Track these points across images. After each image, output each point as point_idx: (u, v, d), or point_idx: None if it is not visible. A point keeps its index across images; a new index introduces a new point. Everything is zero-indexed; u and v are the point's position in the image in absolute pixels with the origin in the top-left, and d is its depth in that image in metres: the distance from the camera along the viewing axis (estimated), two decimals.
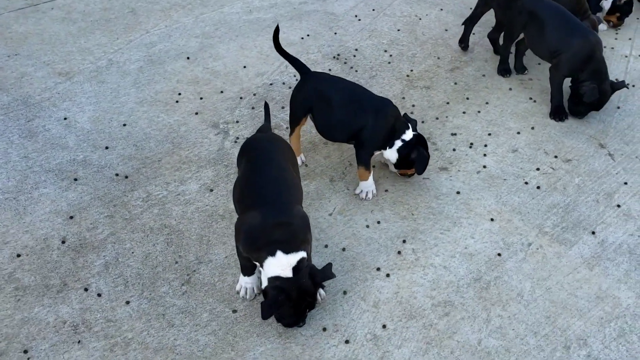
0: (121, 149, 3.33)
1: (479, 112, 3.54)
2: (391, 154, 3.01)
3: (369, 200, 3.06)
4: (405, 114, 3.10)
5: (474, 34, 4.13)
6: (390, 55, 3.93)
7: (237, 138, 3.40)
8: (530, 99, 3.64)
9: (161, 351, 2.48)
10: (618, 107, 3.58)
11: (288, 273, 2.36)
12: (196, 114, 3.55)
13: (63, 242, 2.87)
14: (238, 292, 2.65)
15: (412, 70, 3.82)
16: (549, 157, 3.29)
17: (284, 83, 3.74)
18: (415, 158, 2.97)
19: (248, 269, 2.59)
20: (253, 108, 3.60)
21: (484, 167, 3.23)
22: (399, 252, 2.84)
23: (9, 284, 2.70)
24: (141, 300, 2.64)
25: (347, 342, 2.51)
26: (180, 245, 2.86)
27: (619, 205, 3.04)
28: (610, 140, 3.38)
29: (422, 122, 3.48)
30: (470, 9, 4.18)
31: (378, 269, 2.77)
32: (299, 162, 3.22)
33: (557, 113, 3.48)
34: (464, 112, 3.54)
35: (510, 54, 3.87)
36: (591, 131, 3.44)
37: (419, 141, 3.00)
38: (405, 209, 3.04)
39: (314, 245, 2.82)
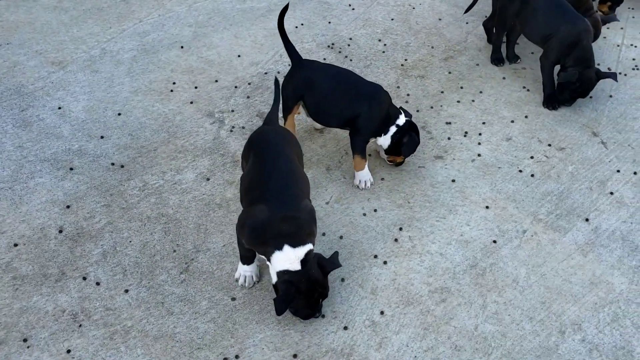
0: (116, 138, 3.32)
1: (473, 101, 3.57)
2: (384, 141, 3.03)
3: (367, 189, 3.08)
4: (401, 106, 3.12)
5: (467, 23, 4.15)
6: (385, 45, 3.94)
7: (233, 127, 3.40)
8: (524, 87, 3.66)
9: (161, 339, 2.49)
10: (610, 96, 3.61)
11: (297, 266, 2.37)
12: (191, 103, 3.54)
13: (60, 231, 2.86)
14: (237, 280, 2.66)
15: (406, 60, 3.84)
16: (542, 146, 3.32)
17: (278, 72, 3.74)
18: (405, 142, 3.00)
19: (248, 259, 2.60)
20: (248, 97, 3.59)
21: (479, 155, 3.26)
22: (396, 240, 2.87)
23: (7, 273, 2.69)
24: (140, 289, 2.65)
25: (345, 328, 2.53)
26: (177, 234, 2.86)
27: (612, 193, 3.08)
28: (603, 128, 3.42)
29: (417, 111, 3.50)
30: None
31: (375, 257, 2.80)
32: None
33: (550, 102, 3.51)
34: (458, 101, 3.56)
35: (503, 43, 3.89)
36: (584, 120, 3.47)
37: (411, 127, 3.02)
38: (401, 197, 3.06)
39: None
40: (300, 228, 2.41)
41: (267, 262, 2.45)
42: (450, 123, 3.42)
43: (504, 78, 3.72)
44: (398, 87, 3.65)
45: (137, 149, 3.26)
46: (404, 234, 2.89)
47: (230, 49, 3.91)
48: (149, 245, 2.82)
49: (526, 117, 3.48)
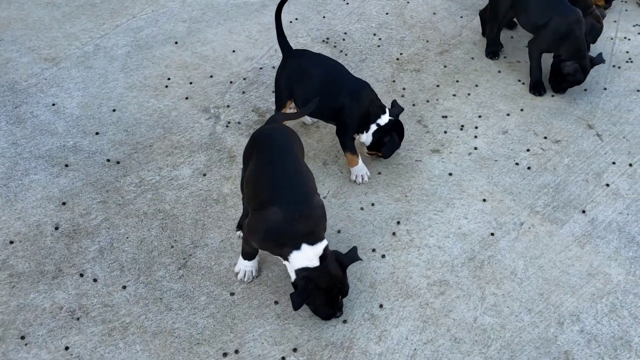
0: (112, 134, 3.30)
1: (468, 94, 3.57)
2: (366, 138, 3.03)
3: (364, 183, 3.08)
4: (394, 100, 3.11)
5: (461, 17, 4.15)
6: (380, 39, 3.94)
7: (229, 122, 3.39)
8: (519, 81, 3.67)
9: (160, 334, 2.48)
10: (605, 89, 3.63)
11: (315, 262, 2.35)
12: (186, 98, 3.52)
13: (56, 228, 2.84)
14: (237, 275, 2.65)
15: (401, 54, 3.83)
16: (538, 138, 3.33)
17: (273, 67, 3.72)
18: (386, 142, 3.00)
19: (251, 255, 2.59)
20: (243, 92, 3.58)
21: (475, 148, 3.26)
22: (394, 234, 2.87)
23: (3, 270, 2.67)
24: (138, 285, 2.64)
25: (345, 322, 2.53)
26: (175, 229, 2.85)
27: (608, 185, 3.09)
28: (598, 121, 3.44)
29: (413, 105, 3.50)
30: None
31: (373, 250, 2.80)
32: None
33: (536, 88, 3.54)
34: (454, 95, 3.56)
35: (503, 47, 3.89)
36: (579, 112, 3.49)
37: (395, 126, 3.01)
38: (398, 191, 3.06)
39: None
40: (316, 225, 2.39)
41: (285, 262, 2.41)
42: (446, 117, 3.43)
43: (499, 71, 3.73)
44: (394, 81, 3.65)
45: (132, 145, 3.24)
46: (402, 228, 2.89)
47: (224, 44, 3.89)
48: (147, 241, 2.80)
49: (522, 110, 3.49)
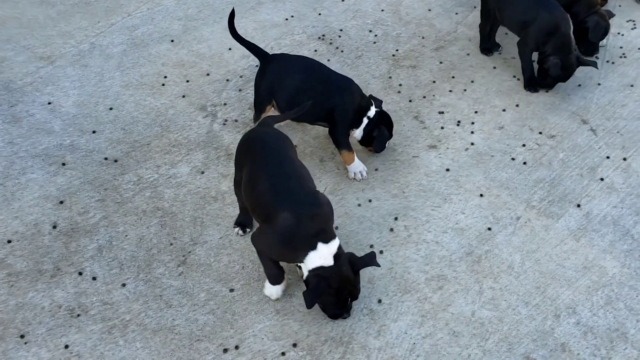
0: (109, 132, 3.30)
1: (465, 90, 3.59)
2: (359, 133, 3.05)
3: (364, 179, 3.09)
4: (370, 94, 3.13)
5: (456, 13, 4.17)
6: (375, 35, 3.95)
7: (226, 120, 3.40)
8: (514, 76, 3.69)
9: (160, 332, 2.49)
10: (599, 84, 3.66)
11: (329, 261, 2.35)
12: (183, 96, 3.53)
13: (54, 227, 2.84)
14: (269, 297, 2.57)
15: (397, 50, 3.85)
16: (534, 134, 3.35)
17: None
18: (375, 136, 3.02)
19: (278, 277, 2.52)
20: (240, 90, 3.58)
21: (472, 144, 3.28)
22: (392, 229, 2.88)
23: (1, 270, 2.67)
24: (137, 282, 2.64)
25: (344, 317, 2.54)
26: (174, 227, 2.86)
27: (602, 179, 3.12)
28: (592, 116, 3.46)
29: (410, 101, 3.52)
30: None
31: (371, 246, 2.81)
32: None
33: (531, 84, 3.57)
34: (450, 91, 3.58)
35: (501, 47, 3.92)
36: (573, 107, 3.51)
37: (382, 118, 3.04)
38: (396, 187, 3.08)
39: None
40: (326, 222, 2.40)
41: (299, 265, 2.39)
42: (443, 112, 3.45)
43: (494, 67, 3.75)
44: (390, 77, 3.66)
45: (130, 143, 3.24)
46: (400, 224, 2.91)
47: (221, 42, 3.89)
48: (146, 239, 2.81)
49: (517, 105, 3.51)
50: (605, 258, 2.78)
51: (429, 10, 4.18)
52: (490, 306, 2.60)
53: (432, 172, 3.14)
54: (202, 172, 3.11)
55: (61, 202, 2.94)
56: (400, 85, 3.61)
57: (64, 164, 3.12)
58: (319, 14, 4.12)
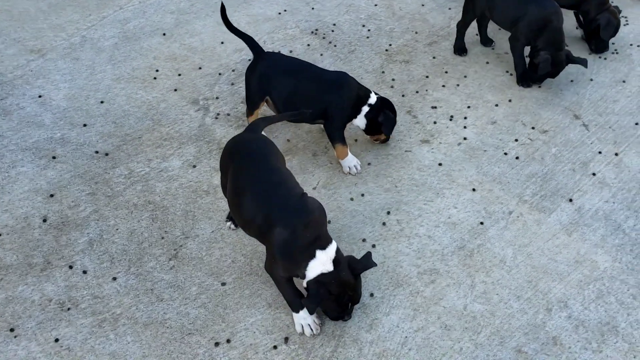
0: (100, 126, 3.27)
1: (458, 85, 3.59)
2: (360, 121, 3.05)
3: (358, 173, 3.08)
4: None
5: (449, 8, 4.16)
6: (369, 30, 3.94)
7: (218, 114, 3.38)
8: (507, 72, 3.69)
9: (151, 325, 2.47)
10: (591, 80, 3.66)
11: (329, 267, 2.32)
12: (175, 90, 3.51)
13: (44, 220, 2.82)
14: (302, 334, 2.45)
15: (390, 45, 3.84)
16: (526, 129, 3.36)
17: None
18: (382, 121, 3.02)
19: (299, 304, 2.41)
20: (232, 84, 3.57)
21: (465, 139, 3.28)
22: (384, 224, 2.88)
23: None
24: (128, 276, 2.63)
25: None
26: (165, 221, 2.84)
27: (594, 174, 3.13)
28: (584, 111, 3.47)
29: (403, 95, 3.51)
30: None
31: (364, 240, 2.81)
32: None
33: (524, 80, 3.57)
34: (443, 86, 3.58)
35: (494, 42, 3.91)
36: (566, 103, 3.52)
37: (384, 103, 3.04)
38: (388, 181, 3.07)
39: None
40: (320, 227, 2.36)
41: (302, 274, 2.34)
42: (436, 107, 3.44)
43: (487, 62, 3.75)
44: (383, 72, 3.65)
45: (121, 137, 3.22)
46: (392, 218, 2.91)
47: (213, 36, 3.87)
48: (137, 232, 2.79)
49: (510, 100, 3.51)
50: (597, 252, 2.79)
51: (422, 5, 4.18)
52: (482, 300, 2.60)
53: (425, 167, 3.14)
54: (194, 166, 3.09)
55: (51, 196, 2.92)
56: (393, 80, 3.61)
57: (54, 158, 3.10)
58: (312, 8, 4.11)
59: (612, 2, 4.28)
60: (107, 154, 3.12)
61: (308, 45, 3.82)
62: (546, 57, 3.40)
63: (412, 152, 3.21)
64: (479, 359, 2.41)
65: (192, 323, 2.48)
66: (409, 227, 2.87)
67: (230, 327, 2.47)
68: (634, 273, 2.71)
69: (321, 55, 3.74)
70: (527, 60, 3.60)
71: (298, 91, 2.97)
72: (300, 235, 2.30)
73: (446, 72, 3.66)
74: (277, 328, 2.47)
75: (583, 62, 3.47)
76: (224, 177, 2.61)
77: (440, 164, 3.15)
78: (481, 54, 3.82)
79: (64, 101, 3.40)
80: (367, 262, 2.42)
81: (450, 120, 3.38)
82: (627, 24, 4.07)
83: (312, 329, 2.42)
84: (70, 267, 2.65)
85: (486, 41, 3.85)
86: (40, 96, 3.42)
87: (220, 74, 3.62)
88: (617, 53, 3.86)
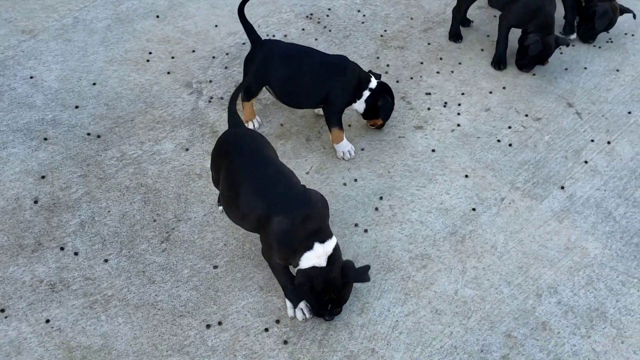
0: (92, 108, 3.25)
1: (452, 72, 3.58)
2: (359, 106, 3.04)
3: (352, 159, 3.07)
4: (370, 70, 3.11)
5: None
6: (364, 15, 3.92)
7: (211, 98, 3.36)
8: None
9: (142, 307, 2.47)
10: (585, 68, 3.67)
11: (322, 262, 2.29)
12: (168, 73, 3.48)
13: (35, 201, 2.80)
14: (292, 318, 2.45)
15: (385, 31, 3.83)
16: (520, 116, 3.36)
17: None
18: (380, 105, 3.02)
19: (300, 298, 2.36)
20: (226, 67, 3.54)
21: (458, 125, 3.29)
22: (376, 209, 2.88)
23: None
24: (120, 258, 2.62)
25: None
26: (157, 203, 2.83)
27: (586, 162, 3.14)
28: (577, 99, 3.48)
29: (397, 81, 3.50)
30: None
31: (356, 225, 2.81)
32: (256, 125, 3.18)
33: (498, 62, 3.58)
34: (437, 72, 3.57)
35: (473, 22, 3.90)
36: (559, 91, 3.52)
37: (384, 88, 3.04)
38: (381, 166, 3.07)
39: None
40: (322, 220, 2.34)
41: (296, 263, 2.31)
42: (430, 94, 3.44)
43: (482, 49, 3.75)
44: (378, 57, 3.64)
45: (113, 119, 3.20)
46: (385, 203, 2.91)
47: (207, 19, 3.84)
48: (129, 215, 2.78)
49: (504, 88, 3.51)
50: (588, 239, 2.81)
51: None
52: (473, 285, 2.61)
53: (418, 153, 3.14)
54: (187, 149, 3.08)
55: (43, 177, 2.90)
56: (387, 65, 3.60)
57: (45, 139, 3.07)
58: None
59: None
60: (99, 136, 3.10)
61: (303, 29, 3.80)
62: (535, 38, 3.40)
63: (406, 138, 3.21)
64: (469, 343, 2.43)
65: (183, 305, 2.48)
66: (402, 212, 2.87)
67: (222, 309, 2.48)
68: (624, 260, 2.73)
69: (316, 40, 3.72)
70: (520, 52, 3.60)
71: (299, 77, 2.95)
72: (300, 226, 2.28)
73: (441, 59, 3.66)
74: (269, 311, 2.48)
75: (567, 41, 3.47)
76: (216, 174, 2.56)
77: (433, 150, 3.15)
78: (476, 41, 3.81)
79: (56, 82, 3.37)
80: (361, 275, 2.33)
81: (444, 106, 3.38)
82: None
83: (304, 313, 2.42)
84: (62, 248, 2.64)
85: (465, 21, 3.84)
86: (31, 77, 3.39)
87: (213, 57, 3.60)
88: (611, 42, 3.86)
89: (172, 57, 3.57)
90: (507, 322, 2.50)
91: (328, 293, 2.31)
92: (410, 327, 2.46)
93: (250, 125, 3.16)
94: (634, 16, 3.74)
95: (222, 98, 3.36)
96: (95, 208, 2.79)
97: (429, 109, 3.36)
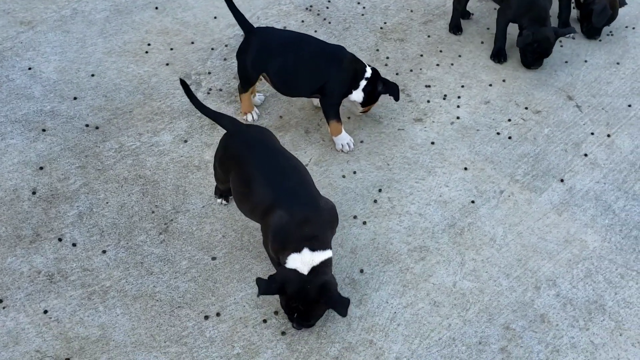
0: (90, 99, 3.24)
1: (452, 64, 3.57)
2: (357, 95, 3.02)
3: (351, 151, 3.06)
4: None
5: None
6: (364, 8, 3.90)
7: (210, 89, 3.35)
8: None
9: (140, 298, 2.47)
10: (585, 61, 3.65)
11: (304, 270, 2.21)
12: (167, 65, 3.47)
13: (33, 192, 2.80)
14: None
15: (385, 23, 3.81)
16: (519, 109, 3.35)
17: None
18: (385, 90, 3.02)
19: None
20: (225, 59, 3.53)
21: (458, 118, 3.28)
22: (375, 201, 2.88)
23: None
24: (118, 249, 2.62)
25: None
26: (156, 195, 2.83)
27: (586, 155, 3.14)
28: (577, 92, 3.47)
29: (397, 74, 3.49)
30: None
31: (355, 217, 2.81)
32: (255, 117, 3.17)
33: (497, 55, 3.58)
34: (437, 65, 3.56)
35: (473, 14, 3.89)
36: (560, 84, 3.51)
37: (375, 73, 3.03)
38: (380, 159, 3.07)
39: None
40: (322, 230, 2.27)
41: (283, 260, 2.26)
42: (429, 86, 3.43)
43: (482, 42, 3.73)
44: (377, 50, 3.63)
45: (112, 111, 3.19)
46: (383, 195, 2.90)
47: (206, 10, 3.82)
48: (127, 206, 2.77)
49: (504, 80, 3.50)
50: (587, 232, 2.80)
51: None
52: (472, 277, 2.61)
53: (417, 145, 3.13)
54: (185, 141, 3.07)
55: (41, 168, 2.90)
56: (387, 58, 3.58)
57: (44, 130, 3.06)
58: None
59: None
60: (97, 128, 3.09)
61: (302, 21, 3.78)
62: (527, 34, 3.40)
63: (405, 131, 3.20)
64: (467, 335, 2.43)
65: (181, 296, 2.48)
66: (400, 204, 2.87)
67: (220, 300, 2.48)
68: (623, 253, 2.73)
69: (315, 31, 3.70)
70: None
71: (296, 66, 2.93)
72: (297, 226, 2.24)
73: (441, 51, 3.64)
74: (267, 302, 2.48)
75: (572, 31, 3.46)
76: (224, 175, 2.50)
77: (432, 143, 3.14)
78: (476, 33, 3.79)
79: (54, 74, 3.36)
80: (336, 304, 2.21)
81: (444, 99, 3.37)
82: (622, 5, 4.05)
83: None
84: (60, 239, 2.64)
85: (465, 14, 3.83)
86: (30, 68, 3.37)
87: (212, 49, 3.58)
88: (612, 35, 3.84)
89: (171, 49, 3.56)
90: (505, 315, 2.50)
91: (296, 304, 2.23)
92: (409, 319, 2.46)
93: (249, 118, 3.15)
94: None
95: (220, 90, 3.35)
96: (93, 199, 2.79)
97: (428, 101, 3.35)
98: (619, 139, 3.22)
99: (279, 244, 2.27)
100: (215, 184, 2.82)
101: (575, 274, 2.64)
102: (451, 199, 2.90)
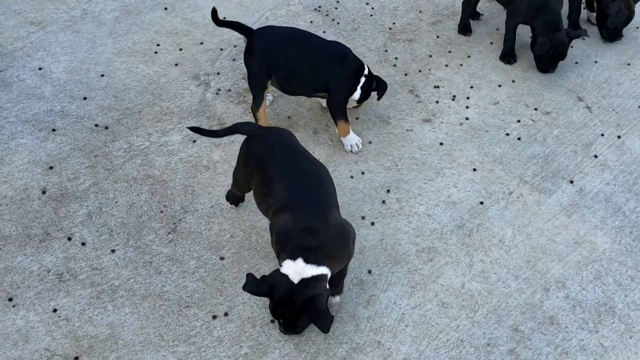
0: (100, 99, 3.26)
1: (461, 65, 3.56)
2: (356, 94, 3.03)
3: (359, 151, 3.06)
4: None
5: None
6: (372, 8, 3.90)
7: (219, 90, 3.36)
8: None
9: (149, 297, 2.48)
10: (596, 62, 3.63)
11: (295, 278, 2.17)
12: (176, 65, 3.48)
13: (43, 192, 2.82)
14: None
15: (394, 23, 3.80)
16: (529, 110, 3.33)
17: None
18: (375, 87, 3.05)
19: None
20: (234, 60, 3.54)
21: (467, 119, 3.26)
22: (384, 202, 2.87)
23: None
24: (127, 249, 2.63)
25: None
26: (165, 195, 2.84)
27: (596, 156, 3.12)
28: (587, 93, 3.44)
29: (405, 74, 3.48)
30: None
31: (363, 218, 2.80)
32: None
33: (506, 56, 3.57)
34: (446, 65, 3.55)
35: (482, 15, 3.87)
36: (569, 85, 3.49)
37: (370, 70, 3.06)
38: (389, 159, 3.06)
39: None
40: (326, 245, 2.21)
41: (279, 262, 2.26)
42: (438, 87, 3.42)
43: (491, 43, 3.72)
44: (386, 50, 3.62)
45: (121, 111, 3.20)
46: (392, 196, 2.90)
47: None
48: (136, 206, 2.79)
49: (513, 81, 3.48)
50: (596, 234, 2.78)
51: None
52: (480, 279, 2.60)
53: (426, 146, 3.12)
54: (194, 141, 3.08)
55: (51, 168, 2.91)
56: (396, 58, 3.58)
57: (54, 130, 3.08)
58: None
59: None
60: (107, 128, 3.11)
61: (311, 22, 3.78)
62: (542, 40, 3.36)
63: (414, 131, 3.19)
64: (476, 337, 2.42)
65: (190, 296, 2.49)
66: (409, 205, 2.86)
67: (228, 300, 2.48)
68: (633, 255, 2.70)
69: (324, 32, 3.70)
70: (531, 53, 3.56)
71: (299, 66, 2.93)
72: (301, 233, 2.20)
73: (450, 52, 3.63)
74: None
75: (584, 33, 3.43)
76: (246, 178, 2.47)
77: (441, 144, 3.13)
78: (485, 34, 3.78)
79: (64, 74, 3.38)
80: (319, 319, 2.16)
81: (453, 100, 3.36)
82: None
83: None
84: (69, 238, 2.65)
85: (474, 15, 3.81)
86: (40, 68, 3.40)
87: (221, 49, 3.59)
88: (622, 35, 3.82)
89: (180, 49, 3.57)
90: (514, 316, 2.49)
91: (282, 311, 2.21)
92: (417, 320, 2.45)
93: None
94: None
95: (229, 90, 3.36)
96: (102, 199, 2.80)
97: (437, 102, 3.34)
98: (630, 140, 3.20)
99: (280, 247, 2.26)
100: (227, 188, 2.83)
101: (585, 276, 2.63)
102: (460, 200, 2.89)
